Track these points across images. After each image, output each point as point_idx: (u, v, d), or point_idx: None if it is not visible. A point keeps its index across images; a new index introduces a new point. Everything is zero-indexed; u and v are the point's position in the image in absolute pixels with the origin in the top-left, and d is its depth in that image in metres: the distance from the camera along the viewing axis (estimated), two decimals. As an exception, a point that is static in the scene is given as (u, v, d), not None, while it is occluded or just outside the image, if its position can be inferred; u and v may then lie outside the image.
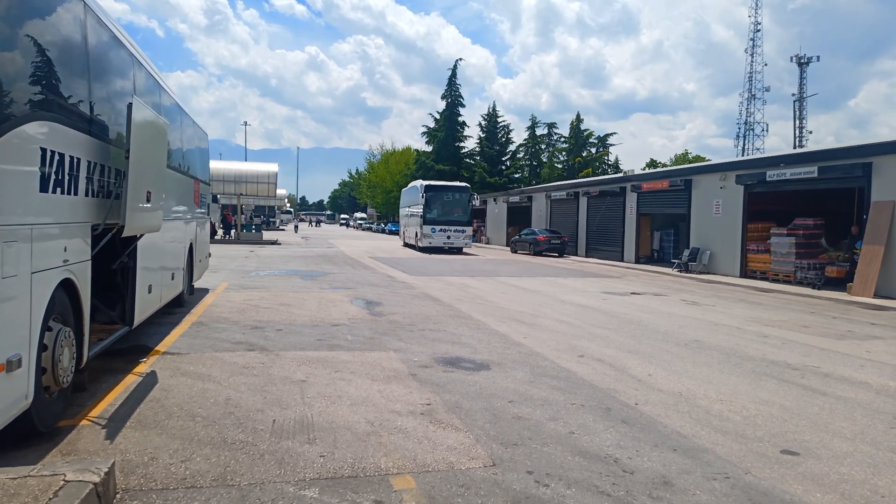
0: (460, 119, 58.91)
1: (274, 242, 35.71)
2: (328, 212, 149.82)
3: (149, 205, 6.34)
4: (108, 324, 6.75)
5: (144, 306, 7.50)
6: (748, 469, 4.38)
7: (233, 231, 37.86)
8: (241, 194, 37.06)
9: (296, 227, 64.51)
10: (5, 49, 3.97)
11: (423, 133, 61.38)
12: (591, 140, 60.79)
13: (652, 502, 3.80)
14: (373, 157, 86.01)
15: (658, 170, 35.43)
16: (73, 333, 5.02)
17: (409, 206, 38.03)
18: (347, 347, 7.95)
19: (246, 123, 77.93)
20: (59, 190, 4.70)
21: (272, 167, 38.41)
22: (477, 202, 34.56)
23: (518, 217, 42.07)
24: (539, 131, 62.00)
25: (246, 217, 44.59)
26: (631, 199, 28.38)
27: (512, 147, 61.68)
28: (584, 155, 58.72)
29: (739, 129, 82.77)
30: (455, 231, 32.54)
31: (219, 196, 36.51)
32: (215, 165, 34.67)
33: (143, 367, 6.58)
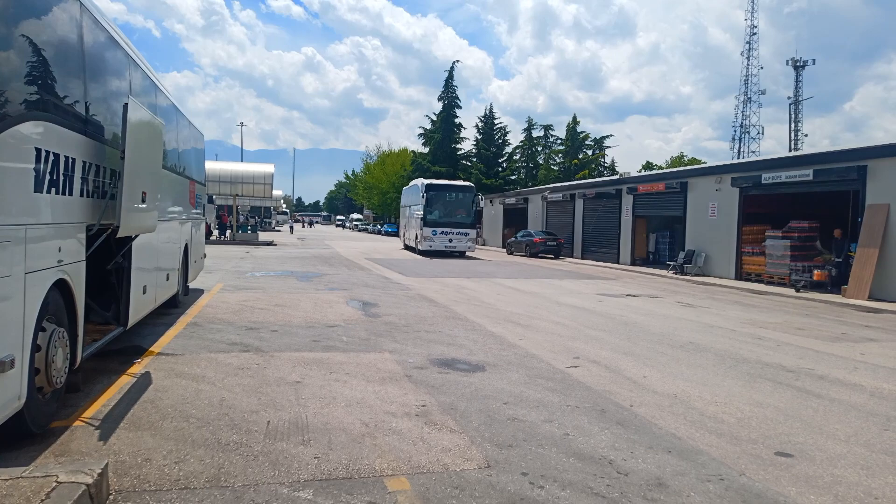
0: (457, 121, 58.97)
1: (269, 243, 35.66)
2: (324, 213, 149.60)
3: (144, 205, 6.33)
4: (102, 324, 6.73)
5: (139, 307, 7.48)
6: (742, 471, 4.38)
7: (228, 232, 37.78)
8: (237, 195, 37.03)
9: (291, 227, 64.37)
10: (1, 49, 3.96)
11: (420, 134, 61.44)
12: (587, 142, 60.90)
13: (646, 504, 3.80)
14: (369, 158, 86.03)
15: (654, 172, 35.54)
16: (67, 334, 5.00)
17: (409, 206, 35.90)
18: (343, 349, 7.94)
19: (242, 124, 77.74)
20: (53, 190, 4.68)
21: (268, 168, 38.38)
22: (482, 203, 32.86)
23: (514, 219, 42.11)
24: (535, 133, 62.14)
25: (244, 218, 44.56)
26: (627, 202, 28.43)
27: (508, 149, 61.77)
28: (580, 157, 58.82)
29: (735, 131, 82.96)
30: (458, 234, 30.35)
31: (215, 197, 36.46)
32: (211, 166, 34.64)
33: (138, 368, 6.56)
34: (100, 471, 3.41)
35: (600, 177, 47.45)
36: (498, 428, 5.10)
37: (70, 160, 5.00)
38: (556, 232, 34.07)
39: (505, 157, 61.22)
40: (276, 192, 64.12)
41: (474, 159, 59.17)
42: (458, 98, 59.27)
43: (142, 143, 6.15)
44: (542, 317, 11.47)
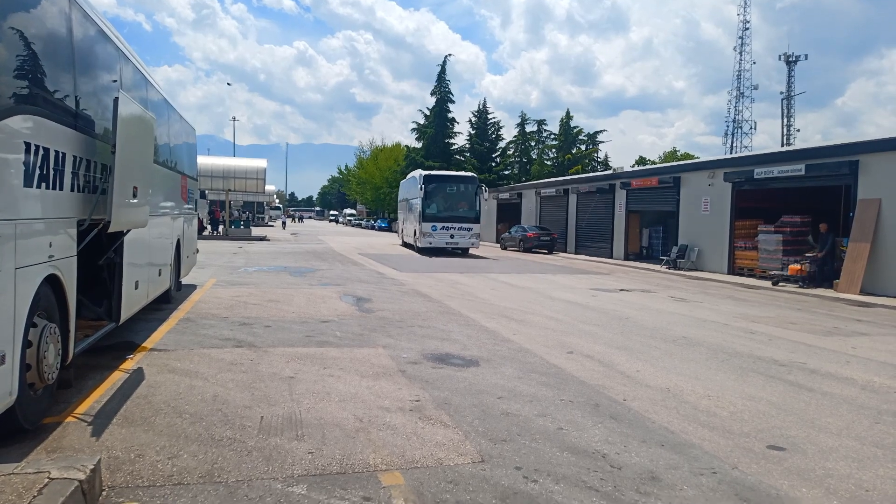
0: (450, 115, 58.91)
1: (263, 239, 35.55)
2: (317, 208, 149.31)
3: (135, 200, 6.28)
4: (94, 320, 6.69)
5: (131, 302, 7.44)
6: (735, 464, 4.40)
7: (221, 227, 37.65)
8: (230, 190, 36.88)
9: (283, 223, 64.14)
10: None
11: (413, 129, 61.35)
12: (580, 137, 60.95)
13: (639, 497, 3.81)
14: (362, 153, 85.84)
15: (647, 167, 35.61)
16: (59, 330, 4.97)
17: (407, 200, 33.39)
18: (336, 344, 7.93)
19: (234, 119, 77.51)
20: (43, 185, 4.64)
21: (261, 163, 38.26)
22: (486, 195, 29.64)
23: (508, 214, 42.13)
24: (529, 128, 62.14)
25: (237, 213, 44.39)
26: (620, 197, 28.48)
27: (502, 144, 61.77)
28: (573, 152, 58.87)
29: (728, 126, 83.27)
30: (460, 229, 27.73)
31: (207, 192, 36.30)
32: (203, 161, 34.49)
33: (130, 364, 6.53)
34: (92, 466, 3.40)
35: (594, 172, 47.54)
36: (492, 422, 5.10)
37: (60, 155, 4.96)
38: (550, 227, 34.11)
39: (498, 152, 61.22)
40: (269, 188, 64.00)
41: (468, 154, 59.13)
42: (451, 93, 59.23)
43: (133, 137, 6.11)
44: (536, 311, 11.48)
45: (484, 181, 53.30)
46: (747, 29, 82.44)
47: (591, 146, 60.75)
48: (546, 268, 22.56)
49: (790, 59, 78.04)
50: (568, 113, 61.26)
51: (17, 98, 4.25)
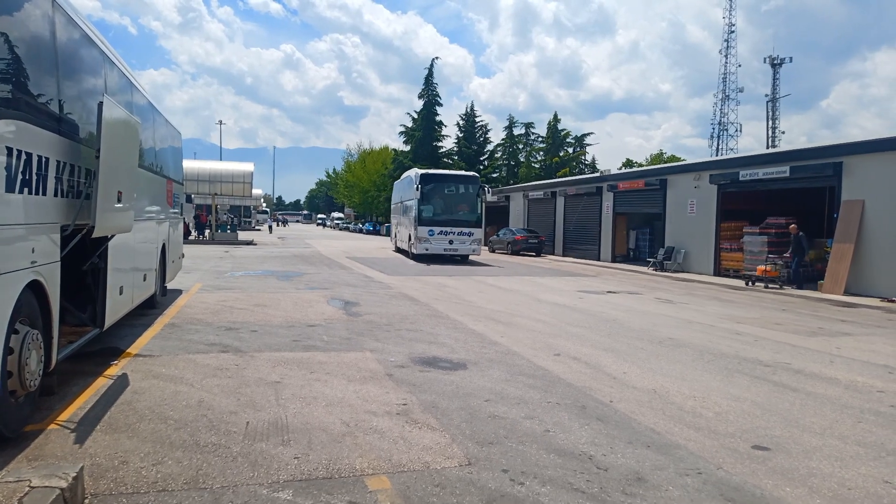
0: (438, 118, 58.92)
1: (249, 243, 35.38)
2: (305, 211, 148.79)
3: (120, 205, 6.24)
4: (78, 326, 6.62)
5: (116, 308, 7.38)
6: (720, 464, 4.43)
7: (207, 231, 37.44)
8: (216, 194, 36.70)
9: (270, 227, 63.70)
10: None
11: (401, 132, 61.31)
12: (568, 140, 61.21)
13: (625, 498, 3.83)
14: (350, 156, 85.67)
15: (634, 169, 35.84)
16: (42, 336, 4.92)
17: (401, 203, 30.79)
18: (323, 348, 7.90)
19: (221, 122, 77.07)
20: (26, 190, 4.60)
21: (247, 166, 38.13)
22: (489, 195, 26.75)
23: (496, 216, 42.20)
24: (517, 131, 62.26)
25: (223, 217, 44.13)
26: (607, 199, 28.63)
27: (490, 147, 61.86)
28: (561, 155, 59.08)
29: (714, 129, 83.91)
30: (460, 234, 25.27)
31: (193, 196, 36.08)
32: (189, 165, 34.29)
33: (115, 370, 6.47)
34: (74, 474, 3.36)
35: (581, 174, 47.71)
36: (479, 425, 5.11)
37: (43, 159, 4.91)
38: (538, 229, 34.21)
39: (486, 155, 61.31)
40: (256, 191, 63.78)
41: (456, 157, 59.16)
42: (438, 96, 59.25)
43: (117, 141, 6.07)
44: (524, 314, 11.51)
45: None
46: (733, 32, 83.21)
47: (578, 149, 61.00)
48: (534, 270, 22.62)
49: (775, 62, 78.82)
50: (555, 116, 61.56)
51: (-2, 102, 4.21)
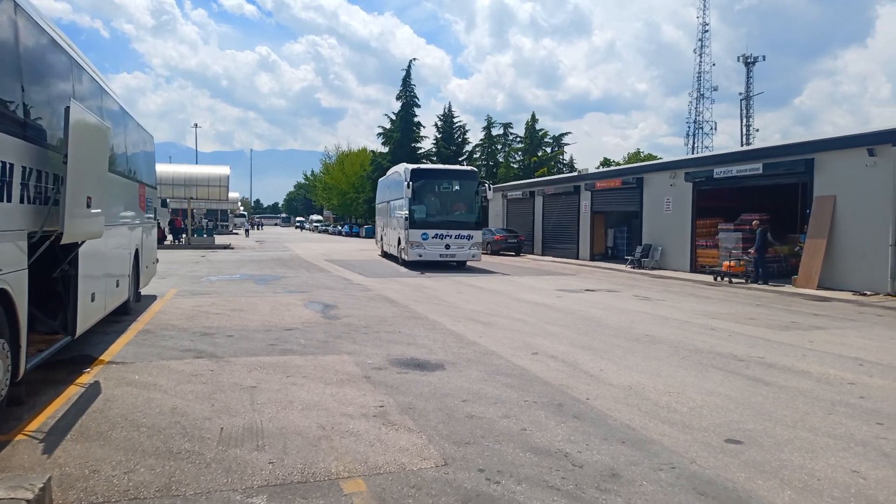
0: (416, 120, 58.90)
1: (227, 247, 35.06)
2: (283, 214, 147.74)
3: (89, 210, 6.15)
4: (49, 334, 6.52)
5: (87, 315, 7.27)
6: (693, 459, 4.48)
7: (183, 236, 37.01)
8: (192, 198, 36.30)
9: (247, 230, 63.02)
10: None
11: (379, 134, 61.17)
12: (546, 140, 61.47)
13: (600, 494, 3.86)
14: (328, 158, 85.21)
15: (611, 168, 36.10)
16: (9, 345, 4.83)
17: (388, 202, 27.50)
18: (300, 352, 7.85)
19: (196, 125, 76.19)
20: (-11, 196, 4.51)
21: (224, 170, 37.74)
22: (490, 193, 23.37)
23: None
24: (495, 131, 62.41)
25: (200, 221, 43.65)
26: (585, 198, 28.81)
27: (468, 147, 61.91)
28: (539, 154, 59.33)
29: (689, 127, 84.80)
30: (457, 237, 22.12)
31: (169, 200, 35.67)
32: (164, 169, 33.88)
33: (87, 378, 6.37)
34: (41, 485, 3.30)
35: (559, 174, 47.96)
36: (456, 426, 5.11)
37: (8, 165, 4.82)
38: (517, 229, 34.32)
39: (465, 156, 61.34)
40: (233, 195, 63.10)
41: (434, 158, 59.12)
42: (416, 97, 59.22)
43: (86, 146, 5.98)
44: (503, 314, 11.54)
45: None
46: (706, 31, 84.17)
47: (556, 148, 61.30)
48: (513, 269, 22.68)
49: (749, 61, 79.90)
50: (533, 116, 61.76)
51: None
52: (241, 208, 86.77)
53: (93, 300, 7.50)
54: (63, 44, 6.62)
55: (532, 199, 33.94)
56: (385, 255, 28.01)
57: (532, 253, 33.07)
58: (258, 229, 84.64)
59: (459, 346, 8.37)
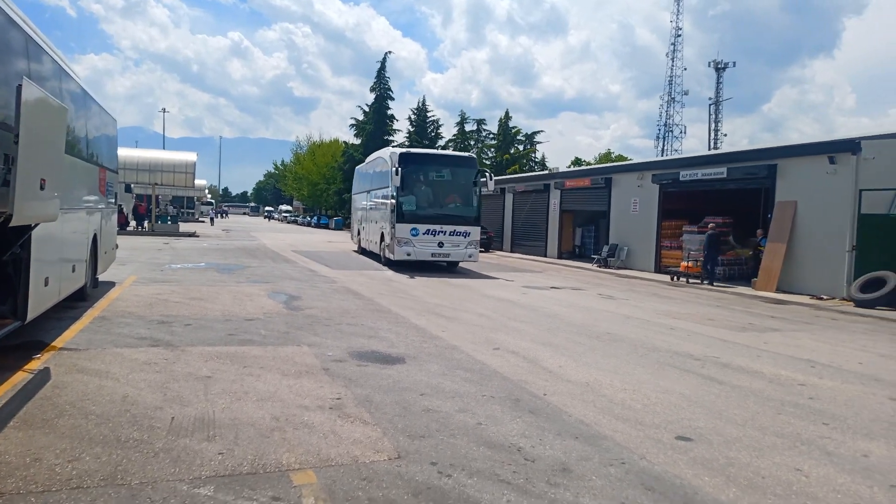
0: (389, 112, 58.70)
1: (192, 234, 34.49)
2: (252, 204, 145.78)
3: (43, 192, 5.97)
4: (-3, 318, 6.33)
5: (40, 300, 7.07)
6: (643, 455, 4.55)
7: (146, 222, 36.28)
8: (157, 184, 35.62)
9: (212, 219, 61.39)
10: None
11: (352, 125, 60.85)
12: (519, 137, 61.80)
13: (549, 489, 3.89)
14: (299, 148, 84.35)
15: (580, 168, 36.40)
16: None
17: (368, 192, 24.71)
18: (260, 342, 7.76)
19: (164, 110, 74.80)
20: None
21: (190, 156, 37.12)
22: (491, 183, 20.18)
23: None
24: (468, 127, 62.55)
25: (169, 209, 42.81)
26: (555, 196, 29.01)
27: (441, 142, 61.89)
28: (511, 152, 59.60)
29: (660, 130, 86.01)
30: (453, 234, 19.28)
31: (133, 185, 34.94)
32: (129, 153, 33.21)
33: (36, 364, 6.21)
34: (-23, 473, 3.21)
35: (531, 171, 48.23)
36: (412, 419, 5.10)
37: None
38: (487, 225, 34.37)
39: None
40: (200, 182, 62.08)
41: (407, 151, 59.01)
42: (390, 90, 59.01)
43: (40, 126, 5.80)
44: (467, 309, 11.56)
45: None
46: (679, 36, 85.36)
47: (529, 146, 61.67)
48: (481, 266, 22.74)
49: (719, 66, 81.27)
50: (507, 113, 62.05)
51: None
52: (209, 196, 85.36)
53: (46, 285, 7.30)
54: (18, 20, 6.41)
55: (502, 195, 34.05)
56: (363, 251, 25.48)
57: (501, 249, 33.21)
58: (222, 217, 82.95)
59: (421, 340, 8.36)
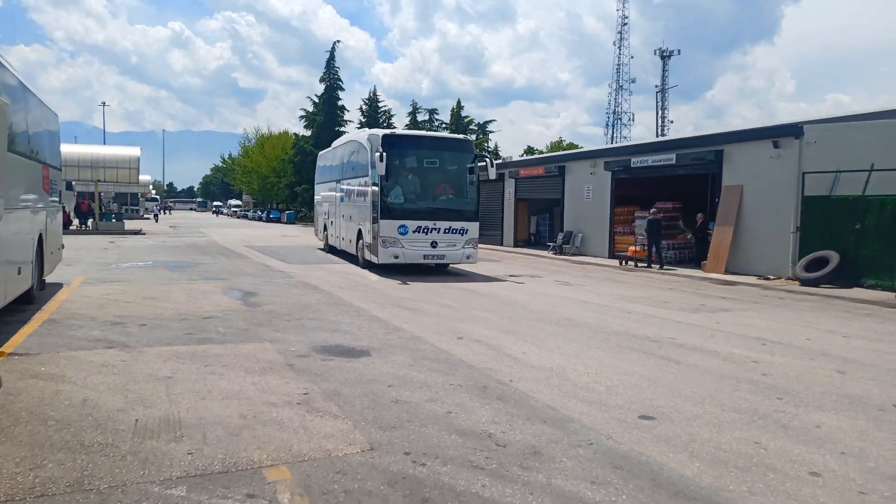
0: (340, 103, 58.09)
1: (138, 232, 33.49)
2: (199, 199, 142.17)
3: (-15, 192, 5.73)
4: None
5: (-15, 304, 6.79)
6: (610, 435, 4.67)
7: (90, 221, 35.05)
8: (100, 181, 34.42)
9: (155, 216, 58.95)
10: None
11: (302, 117, 59.96)
12: (471, 127, 61.97)
13: (522, 472, 3.96)
14: (247, 141, 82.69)
15: (534, 157, 36.74)
16: None
17: (338, 181, 20.83)
18: (219, 340, 7.63)
19: (104, 104, 72.21)
20: None
21: (134, 151, 35.99)
22: (492, 169, 17.34)
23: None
24: (420, 117, 62.34)
25: (105, 205, 41.36)
26: (509, 185, 29.25)
27: (394, 133, 61.65)
28: (463, 141, 59.73)
29: (608, 118, 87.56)
30: (448, 231, 15.95)
31: (74, 183, 33.68)
32: (70, 150, 31.97)
33: (-15, 371, 5.97)
34: (-64, 485, 3.08)
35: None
36: (381, 411, 5.11)
37: None
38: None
39: (390, 142, 61.03)
40: (144, 178, 60.19)
41: (359, 143, 58.51)
42: (340, 80, 58.41)
43: (-20, 122, 5.56)
44: (429, 300, 11.59)
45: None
46: (626, 24, 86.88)
47: (481, 136, 61.91)
48: (438, 256, 22.78)
49: (665, 54, 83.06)
50: (458, 102, 62.14)
51: None
52: (153, 192, 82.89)
53: (-9, 288, 7.01)
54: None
55: (456, 185, 34.09)
56: (333, 249, 22.11)
57: (456, 239, 33.30)
58: (166, 213, 79.88)
59: (385, 332, 8.35)
